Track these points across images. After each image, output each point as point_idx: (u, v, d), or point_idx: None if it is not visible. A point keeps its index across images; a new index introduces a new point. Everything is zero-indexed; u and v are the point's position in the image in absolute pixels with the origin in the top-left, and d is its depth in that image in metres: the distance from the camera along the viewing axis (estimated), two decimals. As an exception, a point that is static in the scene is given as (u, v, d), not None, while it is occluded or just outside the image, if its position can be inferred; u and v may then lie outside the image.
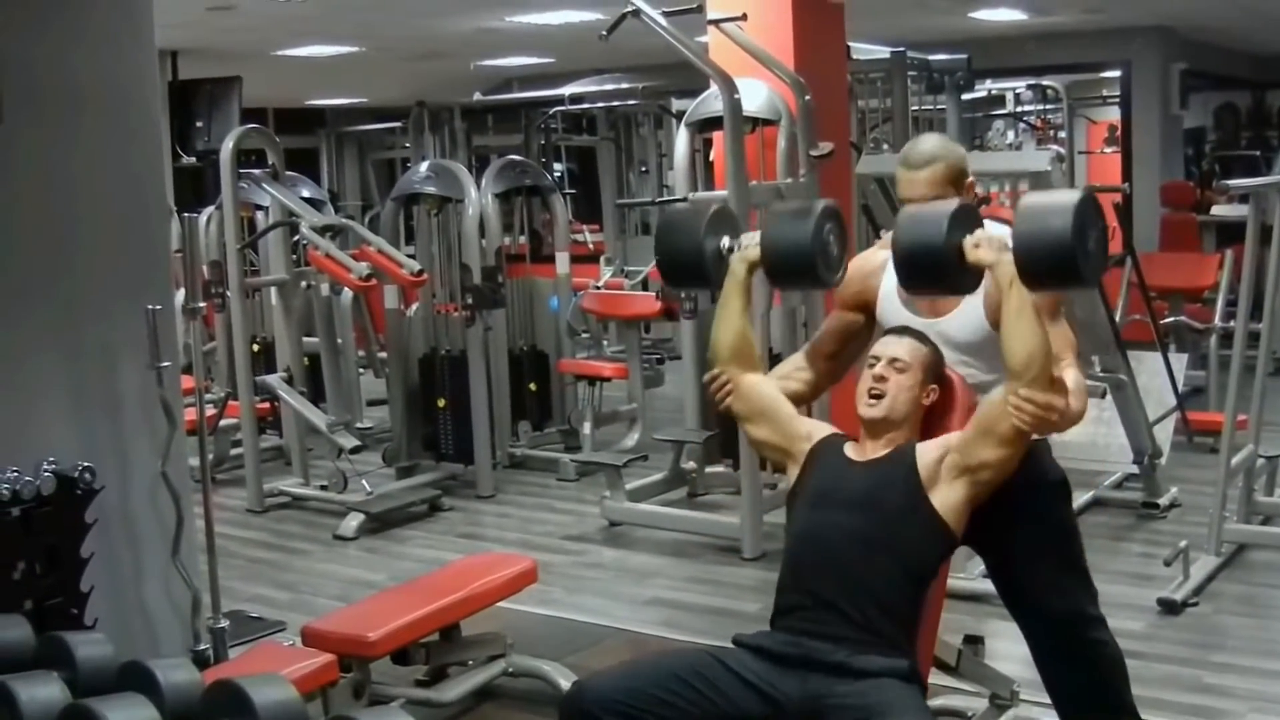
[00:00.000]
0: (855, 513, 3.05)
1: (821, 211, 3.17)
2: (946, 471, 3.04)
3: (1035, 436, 3.16)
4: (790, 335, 6.25)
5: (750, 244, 3.28)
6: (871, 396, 3.16)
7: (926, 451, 3.10)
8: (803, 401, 3.48)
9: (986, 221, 3.30)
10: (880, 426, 3.16)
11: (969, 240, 2.94)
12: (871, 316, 3.51)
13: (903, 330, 3.27)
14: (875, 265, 3.44)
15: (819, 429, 3.30)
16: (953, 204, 3.01)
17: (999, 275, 2.92)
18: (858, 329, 3.54)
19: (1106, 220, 2.93)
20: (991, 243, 2.92)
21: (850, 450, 3.21)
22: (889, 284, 3.40)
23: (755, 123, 6.31)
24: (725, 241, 3.32)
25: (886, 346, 3.21)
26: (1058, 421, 2.98)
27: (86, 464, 3.71)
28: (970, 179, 3.35)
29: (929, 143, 3.38)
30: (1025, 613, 3.46)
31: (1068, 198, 2.86)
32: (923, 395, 3.18)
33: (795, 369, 3.55)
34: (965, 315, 3.29)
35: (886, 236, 3.52)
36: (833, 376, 3.58)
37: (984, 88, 12.56)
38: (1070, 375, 3.11)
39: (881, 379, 3.16)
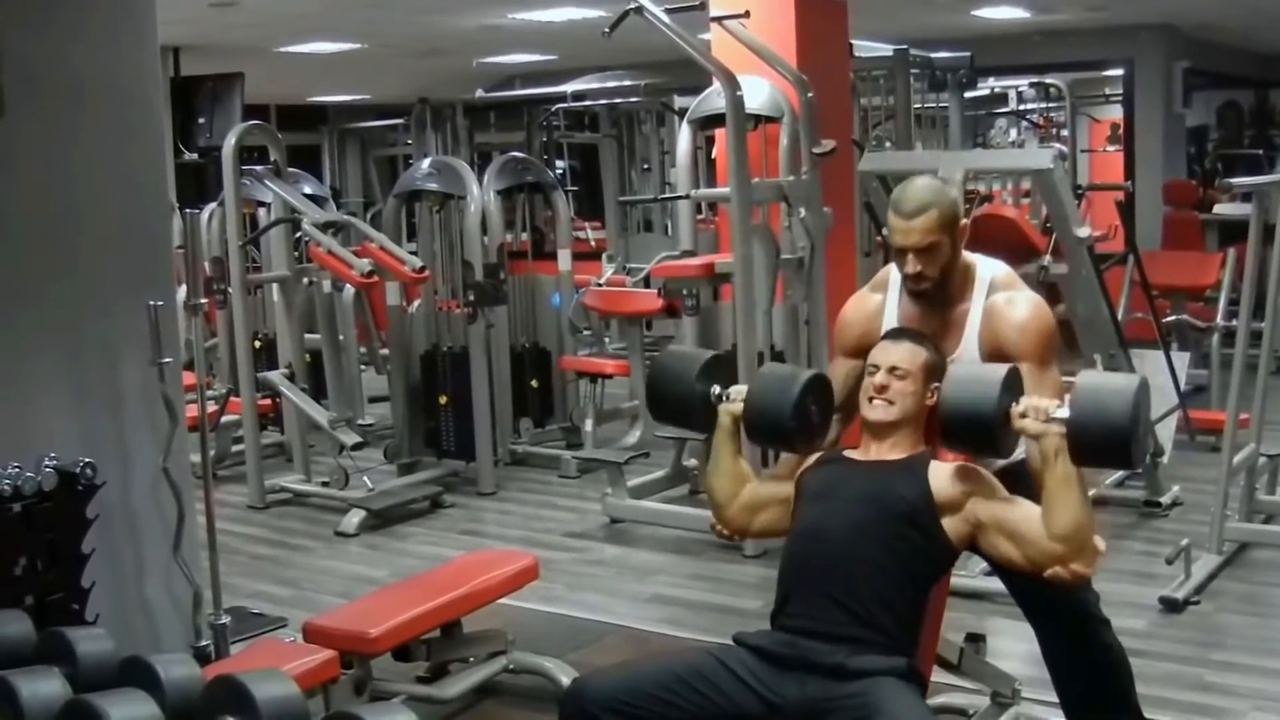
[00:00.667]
0: (859, 507, 3.06)
1: (804, 384, 3.20)
2: (965, 518, 3.04)
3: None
4: (792, 332, 6.25)
5: (738, 396, 3.29)
6: (874, 404, 3.16)
7: (944, 475, 3.08)
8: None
9: (978, 261, 3.33)
10: (885, 430, 3.16)
11: (1016, 409, 2.96)
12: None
13: (899, 334, 3.26)
14: (874, 308, 3.44)
15: (798, 465, 3.31)
16: (1002, 370, 3.02)
17: (1044, 446, 2.93)
18: (862, 374, 3.53)
19: (1150, 405, 2.99)
20: (1038, 413, 2.93)
21: (852, 453, 3.22)
22: (889, 325, 3.39)
23: (758, 120, 6.30)
24: (715, 390, 3.35)
25: (884, 353, 3.20)
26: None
27: (88, 460, 3.70)
28: (963, 223, 3.32)
29: (918, 189, 3.30)
30: (1035, 610, 3.46)
31: (1128, 384, 2.89)
32: (926, 396, 3.17)
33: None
34: (965, 355, 3.29)
35: (881, 274, 3.51)
36: (847, 424, 3.55)
37: (986, 86, 12.55)
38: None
39: (883, 388, 3.16)
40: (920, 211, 3.23)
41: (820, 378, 3.28)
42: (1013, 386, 3.00)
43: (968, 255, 3.35)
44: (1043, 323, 3.26)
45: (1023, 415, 2.94)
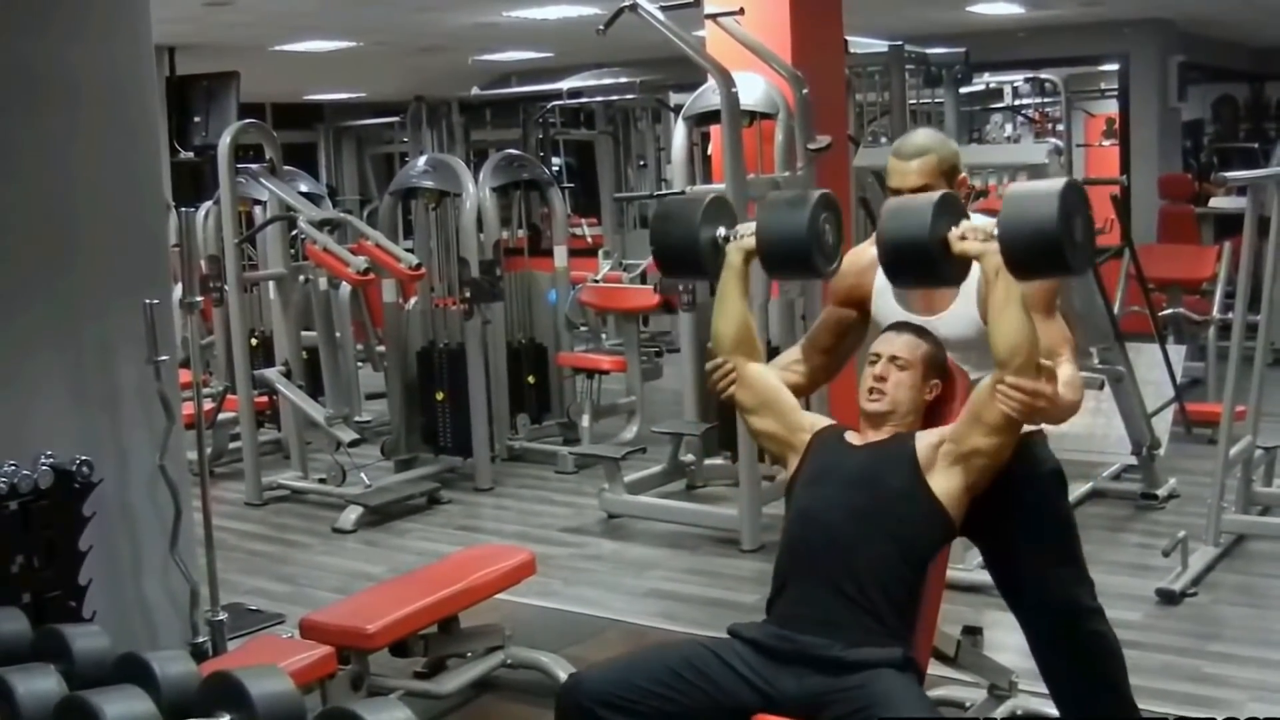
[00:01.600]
0: (854, 491, 3.07)
1: (817, 200, 3.16)
2: (943, 458, 3.05)
3: (1030, 427, 3.17)
4: (788, 327, 6.25)
5: (746, 233, 3.26)
6: (872, 393, 3.17)
7: (925, 438, 3.11)
8: (800, 394, 3.47)
9: (975, 216, 3.32)
10: (882, 420, 3.18)
11: (954, 231, 2.93)
12: (866, 312, 3.51)
13: (902, 326, 3.27)
14: (868, 261, 3.43)
15: (818, 420, 3.31)
16: (936, 194, 3.00)
17: (985, 265, 2.91)
18: (852, 323, 3.54)
19: (1092, 207, 2.91)
20: (977, 233, 2.91)
21: (850, 437, 3.23)
22: (883, 280, 3.39)
23: (753, 116, 6.31)
24: (721, 231, 3.31)
25: (886, 344, 3.21)
26: (1046, 409, 2.97)
27: (84, 458, 3.71)
28: (962, 174, 3.33)
29: (921, 135, 3.37)
30: (1022, 604, 3.46)
31: (1051, 185, 2.85)
32: (925, 391, 3.19)
33: (792, 362, 3.55)
34: (959, 313, 3.29)
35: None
36: (829, 371, 3.59)
37: (982, 81, 12.56)
38: (1065, 369, 3.12)
39: (882, 378, 3.17)
40: (918, 154, 3.26)
41: (829, 195, 3.24)
42: (950, 210, 2.95)
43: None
44: None
45: (962, 238, 2.92)
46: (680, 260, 3.39)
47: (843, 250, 3.29)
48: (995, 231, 2.87)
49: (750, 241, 3.25)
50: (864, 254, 3.47)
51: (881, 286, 3.40)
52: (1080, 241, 2.83)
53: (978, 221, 2.95)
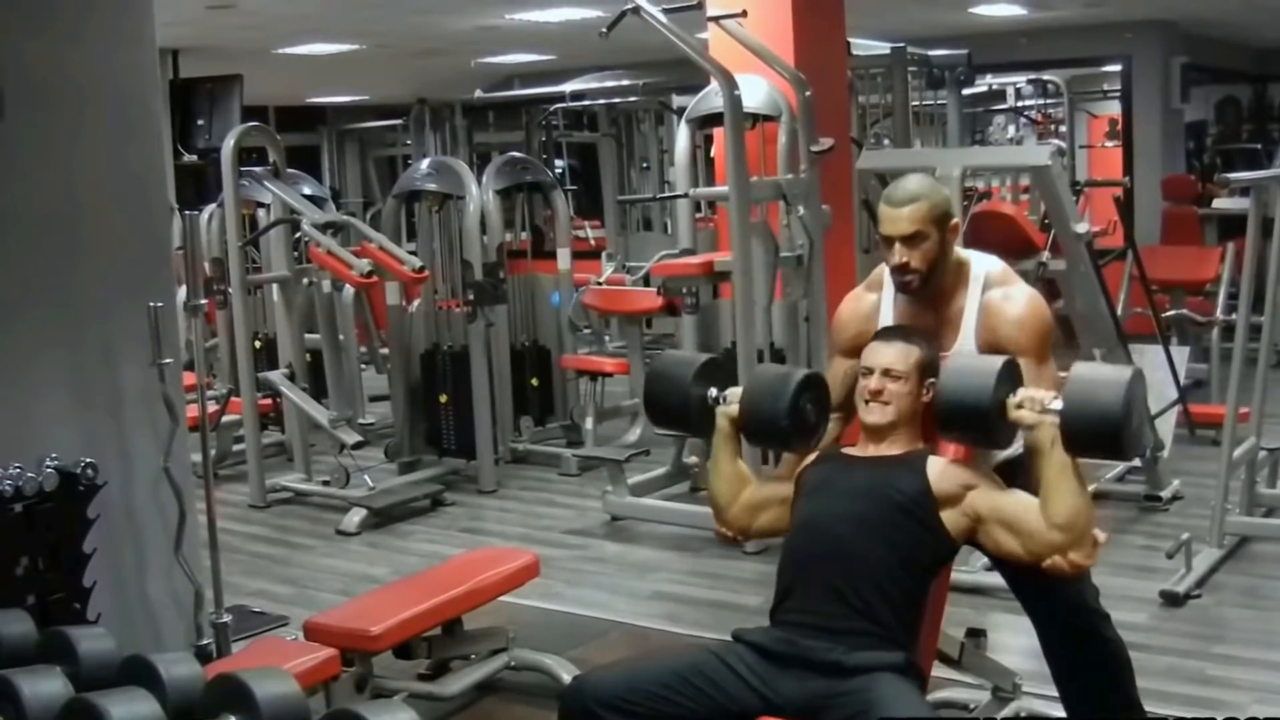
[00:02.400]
0: (857, 501, 3.07)
1: (799, 383, 3.21)
2: (964, 512, 3.06)
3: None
4: (791, 330, 6.25)
5: (734, 399, 3.30)
6: (870, 407, 3.18)
7: (943, 470, 3.09)
8: None
9: (972, 258, 3.33)
10: (882, 431, 3.18)
11: (1012, 400, 2.99)
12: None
13: (891, 333, 3.27)
14: (869, 308, 3.43)
15: (801, 462, 3.31)
16: (999, 361, 3.05)
17: (1039, 436, 2.96)
18: (859, 373, 3.53)
19: (1147, 398, 3.02)
20: (1034, 404, 2.96)
21: (850, 450, 3.23)
22: (885, 323, 3.39)
23: (756, 119, 6.31)
24: (712, 392, 3.36)
25: (877, 356, 3.20)
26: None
27: (89, 460, 3.71)
28: (955, 220, 3.33)
29: (913, 182, 3.33)
30: (1034, 605, 3.47)
31: (1119, 374, 2.91)
32: (921, 394, 3.18)
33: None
34: (959, 356, 3.29)
35: (875, 273, 3.50)
36: (846, 422, 3.54)
37: (984, 83, 12.54)
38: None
39: (878, 392, 3.17)
40: (909, 201, 3.24)
41: (815, 376, 3.28)
42: (1009, 378, 3.02)
43: (962, 252, 3.35)
44: (1039, 318, 3.26)
45: (1019, 406, 2.97)
46: (671, 418, 3.48)
47: (822, 428, 3.31)
48: (1050, 405, 2.94)
49: (735, 409, 3.29)
50: (863, 300, 3.47)
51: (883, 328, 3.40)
52: (1135, 429, 2.90)
53: (1035, 393, 3.00)
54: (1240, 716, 3.93)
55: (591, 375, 8.10)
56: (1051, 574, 2.97)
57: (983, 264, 3.34)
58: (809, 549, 3.09)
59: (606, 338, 9.49)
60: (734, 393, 3.32)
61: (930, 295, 3.30)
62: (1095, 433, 2.87)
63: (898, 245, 3.24)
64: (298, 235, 7.53)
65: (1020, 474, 3.15)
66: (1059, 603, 3.38)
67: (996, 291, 3.29)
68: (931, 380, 3.18)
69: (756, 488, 3.36)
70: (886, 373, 3.17)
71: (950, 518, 3.05)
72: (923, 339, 3.23)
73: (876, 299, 3.42)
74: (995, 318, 3.26)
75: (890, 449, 3.17)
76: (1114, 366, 3.18)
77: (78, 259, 4.00)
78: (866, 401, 3.18)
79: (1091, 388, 2.89)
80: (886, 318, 3.37)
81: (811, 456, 3.29)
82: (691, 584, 5.71)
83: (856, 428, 3.28)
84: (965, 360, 3.17)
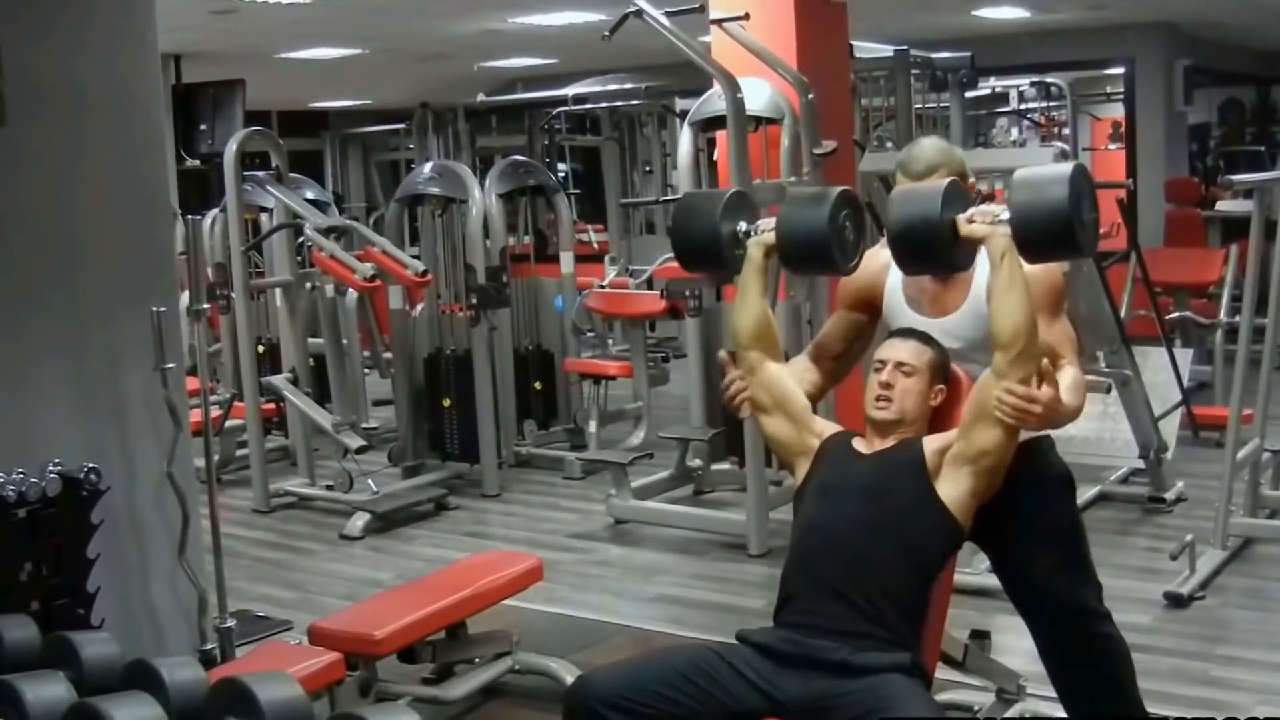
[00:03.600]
0: (862, 502, 3.07)
1: (837, 197, 3.16)
2: (950, 462, 3.04)
3: (1037, 433, 3.17)
4: (795, 331, 6.24)
5: (767, 228, 3.27)
6: (879, 400, 3.17)
7: (932, 443, 3.11)
8: (810, 402, 3.47)
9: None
10: (889, 428, 3.18)
11: (962, 216, 2.97)
12: (875, 315, 3.51)
13: (907, 332, 3.28)
14: (880, 264, 3.44)
15: (828, 427, 3.30)
16: (944, 182, 3.03)
17: (991, 248, 2.94)
18: (862, 327, 3.55)
19: (1096, 192, 2.94)
20: (984, 216, 2.95)
21: (858, 444, 3.22)
22: (894, 281, 3.41)
23: (758, 122, 6.31)
24: (742, 225, 3.31)
25: (892, 350, 3.21)
26: (1043, 414, 2.96)
27: (92, 465, 3.71)
28: (971, 179, 3.35)
29: (928, 149, 3.36)
30: (1030, 608, 3.46)
31: (1062, 168, 2.89)
32: (930, 396, 3.19)
33: (802, 370, 3.54)
34: (969, 313, 3.30)
35: None
36: (837, 377, 3.58)
37: (987, 85, 12.57)
38: (1069, 372, 3.13)
39: (889, 385, 3.17)
40: (930, 172, 3.26)
41: (849, 192, 3.23)
42: (958, 196, 2.99)
43: None
44: (1050, 273, 3.23)
45: (970, 221, 2.95)
46: (700, 254, 3.39)
47: (863, 247, 3.29)
48: (1002, 215, 2.91)
49: (770, 237, 3.25)
50: (877, 256, 3.47)
51: (893, 287, 3.41)
52: (1087, 222, 2.88)
53: (985, 206, 2.98)
54: (1243, 718, 3.94)
55: (595, 379, 8.11)
56: (1007, 415, 2.93)
57: (994, 207, 3.34)
58: (814, 551, 3.09)
59: (610, 341, 9.49)
60: (766, 222, 3.28)
61: None
62: (1046, 229, 2.85)
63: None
64: (301, 240, 7.53)
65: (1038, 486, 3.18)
66: (1054, 607, 3.37)
67: None
68: (940, 386, 3.19)
69: (786, 379, 3.31)
70: (899, 366, 3.17)
71: (948, 488, 3.03)
72: (937, 344, 3.24)
73: (888, 259, 3.41)
74: None
75: (894, 442, 3.17)
76: (1056, 165, 3.13)
77: (81, 264, 4.00)
78: (875, 396, 3.18)
79: (1036, 186, 2.87)
80: (898, 274, 3.37)
81: (830, 430, 3.27)
82: (695, 587, 5.71)
83: (856, 405, 3.27)
84: (910, 186, 3.15)
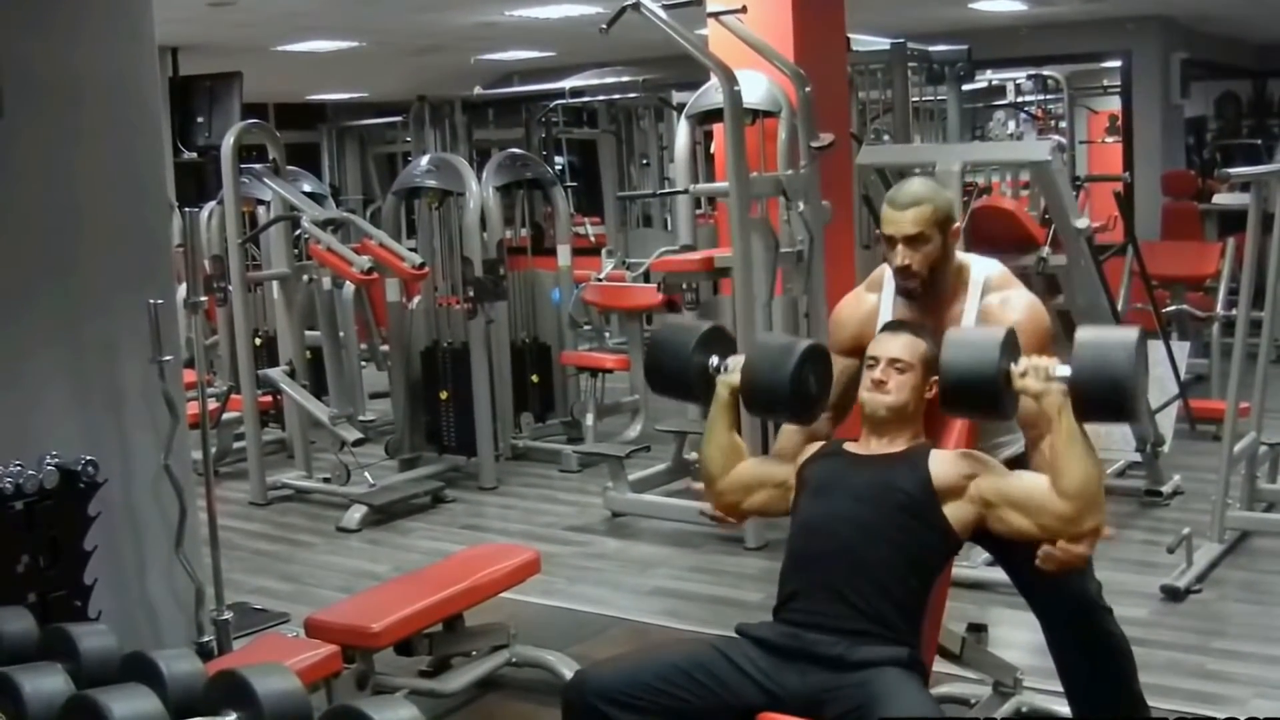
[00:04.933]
0: (860, 502, 3.06)
1: (803, 354, 3.20)
2: (970, 499, 3.04)
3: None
4: (791, 325, 6.25)
5: (735, 368, 3.30)
6: (874, 398, 3.17)
7: (944, 462, 3.09)
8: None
9: (972, 261, 3.34)
10: (885, 425, 3.17)
11: (1016, 369, 2.97)
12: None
13: (898, 327, 3.27)
14: (869, 309, 3.45)
15: (802, 453, 3.30)
16: (1000, 331, 3.03)
17: (1046, 405, 2.94)
18: (855, 372, 3.52)
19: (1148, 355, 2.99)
20: (1038, 372, 2.95)
21: (853, 447, 3.22)
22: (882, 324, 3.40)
23: (756, 114, 6.30)
24: (713, 361, 3.36)
25: (884, 347, 3.21)
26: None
27: (89, 458, 3.71)
28: (956, 225, 3.34)
29: (916, 184, 3.37)
30: (1041, 603, 3.47)
31: (1127, 336, 2.90)
32: (925, 390, 3.18)
33: (808, 438, 3.47)
34: None
35: (875, 274, 3.52)
36: (839, 422, 3.54)
37: (984, 78, 12.53)
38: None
39: (882, 382, 3.16)
40: (913, 204, 3.26)
41: (817, 347, 3.28)
42: (1011, 346, 3.00)
43: (962, 256, 3.37)
44: (1038, 323, 3.26)
45: (1023, 375, 2.95)
46: (671, 385, 3.47)
47: (823, 401, 3.30)
48: (1055, 371, 2.93)
49: (737, 378, 3.28)
50: (863, 301, 3.48)
51: (882, 328, 3.40)
52: (1143, 390, 2.92)
53: (1038, 361, 2.98)
54: (1241, 710, 3.95)
55: (592, 371, 8.11)
56: (1049, 568, 2.96)
57: (982, 268, 3.35)
58: (812, 552, 3.09)
59: (607, 334, 9.49)
60: (735, 361, 3.32)
61: (930, 299, 3.32)
62: (1106, 396, 2.85)
63: (900, 247, 3.26)
64: (298, 232, 7.54)
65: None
66: (1063, 598, 3.38)
67: (995, 296, 3.31)
68: (935, 377, 3.18)
69: (751, 465, 3.35)
70: (892, 363, 3.17)
71: (954, 511, 3.04)
72: (929, 336, 3.23)
73: (876, 300, 3.43)
74: (994, 322, 3.26)
75: (892, 445, 3.16)
76: (1120, 329, 3.15)
77: (78, 257, 4.00)
78: (870, 393, 3.18)
79: (1101, 350, 2.87)
80: (886, 319, 3.38)
81: (813, 449, 3.28)
82: (692, 580, 5.71)
83: (857, 421, 3.27)
84: (966, 331, 3.17)
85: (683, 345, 3.37)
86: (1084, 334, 2.95)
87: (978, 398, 3.00)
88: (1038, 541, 2.99)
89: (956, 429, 3.28)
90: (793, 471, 3.27)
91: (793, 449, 3.35)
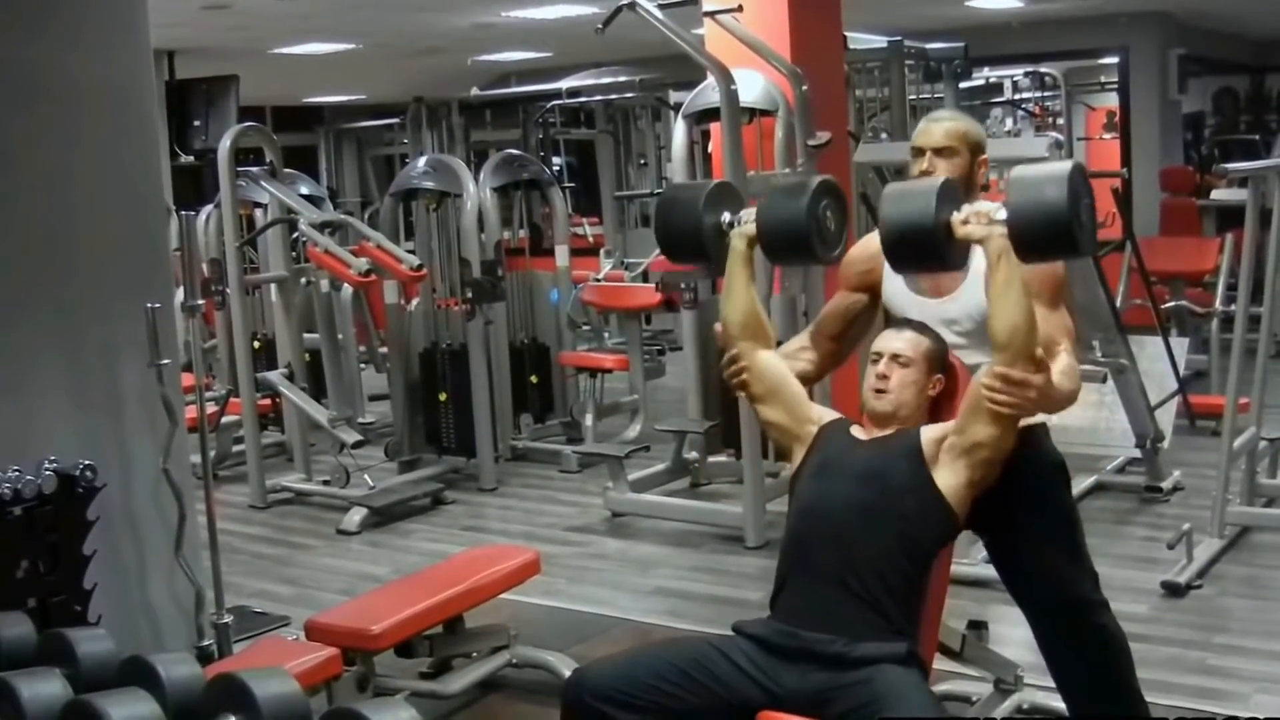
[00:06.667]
0: (858, 485, 3.06)
1: (817, 187, 3.17)
2: (946, 453, 3.04)
3: (1031, 420, 3.17)
4: (790, 323, 6.24)
5: (749, 219, 3.28)
6: (877, 393, 3.17)
7: (929, 432, 3.10)
8: (807, 383, 3.46)
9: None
10: (887, 419, 3.17)
11: (957, 216, 2.94)
12: (876, 297, 3.52)
13: (903, 323, 3.28)
14: (878, 246, 3.44)
15: (825, 414, 3.30)
16: (938, 180, 3.02)
17: (988, 249, 2.92)
18: (861, 309, 3.55)
19: (1093, 190, 2.91)
20: (980, 217, 2.92)
21: (856, 431, 3.22)
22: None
23: (753, 113, 6.31)
24: (725, 217, 3.32)
25: (888, 342, 3.21)
26: (1037, 400, 2.96)
27: (88, 462, 3.71)
28: (984, 156, 3.36)
29: (952, 111, 3.50)
30: (1027, 599, 3.45)
31: (1060, 168, 2.85)
32: (928, 386, 3.19)
33: (800, 349, 3.54)
34: (967, 297, 3.29)
35: None
36: (836, 358, 3.58)
37: (981, 76, 12.53)
38: (1063, 359, 3.12)
39: (885, 376, 3.16)
40: (947, 119, 3.34)
41: (830, 181, 3.25)
42: (951, 195, 2.97)
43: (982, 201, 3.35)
44: (1050, 267, 3.24)
45: (964, 222, 2.93)
46: (683, 246, 3.40)
47: (847, 236, 3.30)
48: (997, 215, 2.88)
49: (752, 228, 3.26)
50: (875, 242, 3.47)
51: (891, 271, 3.40)
52: (1086, 223, 2.85)
53: (980, 205, 2.96)
54: (1242, 706, 3.95)
55: (591, 372, 8.11)
56: (999, 411, 2.93)
57: (988, 207, 3.34)
58: (810, 534, 3.08)
59: (605, 334, 9.49)
60: (748, 213, 3.29)
61: None
62: (1044, 230, 2.82)
63: (928, 155, 3.28)
64: (295, 235, 7.53)
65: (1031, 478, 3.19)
66: (1052, 598, 3.37)
67: None
68: (939, 375, 3.18)
69: (786, 374, 3.31)
70: (895, 358, 3.17)
71: (944, 477, 3.03)
72: (934, 334, 3.23)
73: None
74: None
75: (890, 432, 3.17)
76: (1054, 163, 3.09)
77: (75, 261, 4.00)
78: (874, 390, 3.18)
79: (1034, 186, 2.83)
80: None
81: (830, 416, 3.27)
82: (693, 580, 5.71)
83: (852, 391, 3.27)
84: (903, 184, 3.15)
85: (692, 202, 3.32)
86: (1016, 171, 2.93)
87: (920, 248, 2.95)
88: (1003, 442, 2.99)
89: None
90: (809, 413, 3.26)
91: (830, 325, 3.43)
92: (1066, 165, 2.86)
